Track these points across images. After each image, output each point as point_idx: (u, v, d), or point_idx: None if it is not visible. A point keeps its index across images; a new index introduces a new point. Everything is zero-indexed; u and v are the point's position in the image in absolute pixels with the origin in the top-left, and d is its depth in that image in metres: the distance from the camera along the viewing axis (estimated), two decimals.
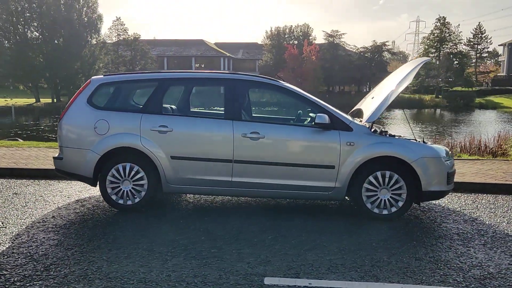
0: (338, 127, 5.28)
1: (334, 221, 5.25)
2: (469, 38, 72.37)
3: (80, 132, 5.47)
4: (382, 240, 4.61)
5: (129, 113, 5.48)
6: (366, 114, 5.51)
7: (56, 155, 5.67)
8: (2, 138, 18.25)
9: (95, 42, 52.71)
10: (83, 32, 51.93)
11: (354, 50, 65.91)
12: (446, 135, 23.47)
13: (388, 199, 5.25)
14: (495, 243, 4.56)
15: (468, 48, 71.32)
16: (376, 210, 5.27)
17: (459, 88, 60.86)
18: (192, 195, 6.28)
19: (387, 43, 65.87)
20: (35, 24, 53.36)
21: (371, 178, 5.23)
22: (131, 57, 57.36)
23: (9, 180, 7.10)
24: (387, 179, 5.21)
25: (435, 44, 63.53)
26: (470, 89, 59.96)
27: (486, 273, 3.84)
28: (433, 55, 64.80)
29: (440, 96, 58.50)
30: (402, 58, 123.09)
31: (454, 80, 61.88)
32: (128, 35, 58.06)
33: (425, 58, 6.01)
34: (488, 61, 79.31)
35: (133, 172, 5.37)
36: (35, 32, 53.91)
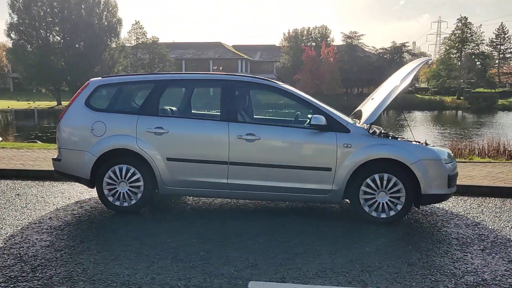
0: (335, 128, 5.18)
1: (331, 224, 5.15)
2: (492, 38, 70.88)
3: (77, 133, 5.50)
4: (377, 245, 4.50)
5: (125, 114, 5.49)
6: (365, 115, 5.40)
7: (55, 156, 5.72)
8: (22, 140, 18.68)
9: (114, 46, 53.48)
10: (103, 36, 52.76)
11: (373, 51, 65.30)
12: (466, 137, 23.01)
13: (386, 202, 5.13)
14: (494, 249, 4.40)
15: (490, 48, 69.85)
16: (374, 214, 5.16)
17: (481, 90, 59.71)
18: (191, 197, 6.25)
19: (406, 44, 65.01)
20: (57, 28, 54.45)
21: (368, 180, 5.12)
22: (149, 60, 57.99)
23: (15, 181, 7.20)
24: (385, 182, 5.09)
25: (457, 45, 62.52)
26: (492, 90, 58.75)
27: (480, 279, 3.70)
28: (454, 56, 63.77)
29: (461, 98, 57.42)
30: None
31: (476, 81, 60.75)
32: (147, 38, 58.74)
33: (425, 58, 5.87)
34: (511, 62, 77.48)
35: (129, 174, 5.38)
36: (57, 37, 55.01)
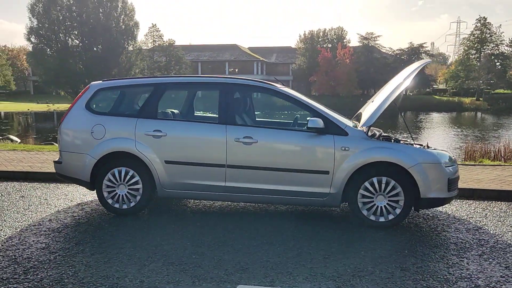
0: (333, 131, 5.13)
1: (328, 228, 5.10)
2: None
3: (78, 136, 5.56)
4: (373, 249, 4.44)
5: (124, 117, 5.53)
6: (364, 118, 5.34)
7: (57, 159, 5.80)
8: (40, 142, 18.99)
9: (131, 49, 54.13)
10: (120, 39, 53.46)
11: (390, 53, 64.72)
12: (483, 139, 22.60)
13: (385, 206, 5.06)
14: (492, 254, 4.30)
15: (511, 49, 68.52)
16: (372, 217, 5.09)
17: (501, 91, 58.59)
18: (191, 200, 6.27)
19: (424, 45, 64.25)
20: (76, 32, 55.35)
21: (367, 184, 5.05)
22: (166, 62, 58.50)
23: (22, 183, 7.31)
24: (383, 185, 5.02)
25: (476, 45, 61.53)
26: None
27: (474, 285, 3.62)
28: (473, 56, 62.77)
29: (481, 99, 56.50)
30: (442, 60, 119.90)
31: (495, 82, 59.67)
32: (163, 41, 59.29)
33: (425, 61, 5.79)
34: None
35: (128, 177, 5.41)
36: (76, 40, 55.93)
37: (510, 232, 4.99)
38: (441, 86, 76.10)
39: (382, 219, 5.07)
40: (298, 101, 5.36)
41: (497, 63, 60.32)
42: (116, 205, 5.46)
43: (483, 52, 61.57)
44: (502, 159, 11.54)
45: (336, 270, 3.91)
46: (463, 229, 5.10)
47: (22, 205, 5.95)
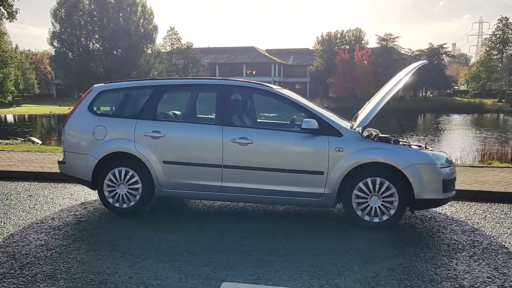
0: (328, 132, 5.17)
1: (322, 228, 5.14)
2: None
3: (80, 137, 5.73)
4: (363, 249, 4.46)
5: (125, 119, 5.68)
6: (359, 119, 5.36)
7: (61, 159, 5.98)
8: (58, 144, 19.43)
9: (150, 52, 54.88)
10: (139, 43, 54.28)
11: (409, 54, 64.03)
12: (503, 141, 22.20)
13: (379, 206, 5.07)
14: (483, 255, 4.28)
15: None
16: (367, 218, 5.11)
17: None
18: (191, 200, 6.37)
19: (444, 46, 63.40)
20: (96, 36, 56.48)
21: (361, 184, 5.08)
22: (184, 65, 59.08)
23: (32, 183, 7.54)
24: (377, 186, 5.04)
25: (497, 46, 60.35)
26: None
27: (458, 285, 3.62)
28: (495, 57, 61.60)
29: (503, 100, 55.44)
30: (463, 60, 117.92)
31: None
32: (181, 44, 59.89)
33: (421, 62, 5.77)
34: None
35: (128, 176, 5.55)
36: (96, 44, 57.04)
37: (506, 234, 4.95)
38: (463, 88, 74.85)
39: (376, 220, 5.09)
40: (292, 102, 5.42)
41: None
42: (117, 204, 5.60)
43: (505, 53, 60.36)
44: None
45: (322, 269, 3.96)
46: (459, 230, 5.08)
47: (28, 204, 6.15)
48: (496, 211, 5.92)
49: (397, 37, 65.11)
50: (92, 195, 6.64)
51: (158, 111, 5.74)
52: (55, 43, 55.61)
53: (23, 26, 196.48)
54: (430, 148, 5.53)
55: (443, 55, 64.21)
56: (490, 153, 12.45)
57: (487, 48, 62.48)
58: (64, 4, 54.46)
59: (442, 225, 5.29)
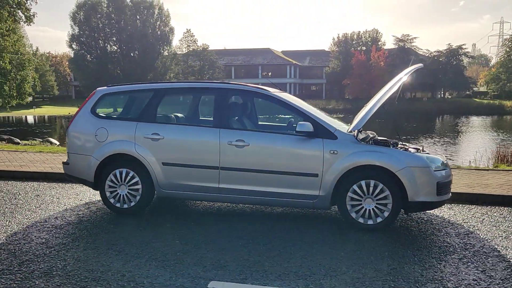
0: (322, 135, 5.24)
1: (316, 230, 5.20)
2: None
3: (83, 139, 5.90)
4: (353, 250, 4.52)
5: (126, 121, 5.83)
6: (353, 122, 5.42)
7: (65, 160, 6.16)
8: None
9: (166, 54, 55.42)
10: (156, 45, 54.88)
11: (427, 55, 63.34)
12: None
13: (373, 208, 5.11)
14: (473, 258, 4.29)
15: None
16: (361, 220, 5.16)
17: None
18: (192, 201, 6.49)
19: (463, 46, 62.51)
20: (114, 38, 57.31)
21: (355, 187, 5.13)
22: (200, 67, 59.53)
23: (41, 183, 7.77)
24: (371, 188, 5.08)
25: None
26: None
27: (442, 287, 3.66)
28: None
29: None
30: (483, 61, 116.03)
31: None
32: (197, 46, 60.35)
33: (417, 66, 5.79)
34: None
35: (128, 177, 5.70)
36: (114, 46, 57.88)
37: (501, 237, 4.94)
38: (482, 89, 73.67)
39: (370, 222, 5.13)
40: (287, 105, 5.50)
41: None
42: (118, 205, 5.75)
43: None
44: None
45: (310, 269, 4.03)
46: (453, 233, 5.09)
47: (35, 203, 6.35)
48: (495, 214, 5.89)
49: (415, 37, 64.36)
50: (96, 196, 6.81)
51: (159, 113, 5.88)
52: (74, 46, 56.67)
53: (44, 29, 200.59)
54: (427, 151, 5.54)
55: (462, 55, 63.33)
56: (505, 156, 12.31)
57: (507, 49, 61.42)
58: (83, 7, 55.48)
59: (437, 227, 5.30)
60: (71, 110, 52.58)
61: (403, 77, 5.42)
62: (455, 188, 6.87)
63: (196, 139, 5.54)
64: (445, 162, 5.38)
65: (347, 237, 4.94)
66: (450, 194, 5.38)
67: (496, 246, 4.64)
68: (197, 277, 3.86)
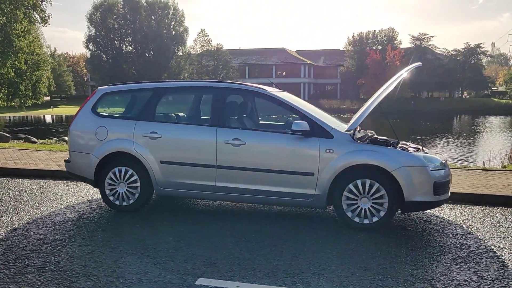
0: (318, 134, 5.22)
1: (310, 229, 5.19)
2: None
3: (83, 137, 5.99)
4: (346, 250, 4.50)
5: (125, 120, 5.90)
6: (350, 121, 5.39)
7: (67, 158, 6.26)
8: None
9: (181, 54, 55.75)
10: (170, 45, 55.24)
11: (444, 54, 62.56)
12: None
13: (369, 208, 5.08)
14: (467, 259, 4.24)
15: None
16: (356, 219, 5.13)
17: None
18: (191, 199, 6.53)
19: (482, 45, 61.56)
20: (129, 39, 57.86)
21: (351, 186, 5.10)
22: (213, 66, 59.75)
23: (47, 180, 7.90)
24: (367, 188, 5.05)
25: None
26: None
27: (430, 287, 3.62)
28: None
29: None
30: (503, 60, 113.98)
31: None
32: (211, 46, 60.57)
33: (415, 64, 5.73)
34: None
35: (127, 175, 5.77)
36: (129, 47, 58.44)
37: (499, 238, 4.87)
38: (501, 88, 72.43)
39: (366, 221, 5.10)
40: (285, 104, 5.50)
41: None
42: (117, 202, 5.82)
43: None
44: None
45: (299, 267, 4.03)
46: (451, 233, 5.03)
47: (38, 200, 6.47)
48: (496, 215, 5.80)
49: (432, 36, 63.46)
50: (98, 193, 6.89)
51: (158, 112, 5.93)
52: (90, 46, 57.41)
53: (63, 30, 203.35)
54: (426, 151, 5.48)
55: (480, 54, 62.39)
56: None
57: None
58: (99, 8, 56.16)
59: (435, 227, 5.25)
60: None
61: (400, 76, 5.38)
62: (459, 188, 6.79)
63: (193, 138, 5.58)
64: (444, 162, 5.32)
65: (341, 236, 4.92)
66: (449, 194, 5.31)
67: (492, 247, 4.57)
68: (186, 274, 3.89)
